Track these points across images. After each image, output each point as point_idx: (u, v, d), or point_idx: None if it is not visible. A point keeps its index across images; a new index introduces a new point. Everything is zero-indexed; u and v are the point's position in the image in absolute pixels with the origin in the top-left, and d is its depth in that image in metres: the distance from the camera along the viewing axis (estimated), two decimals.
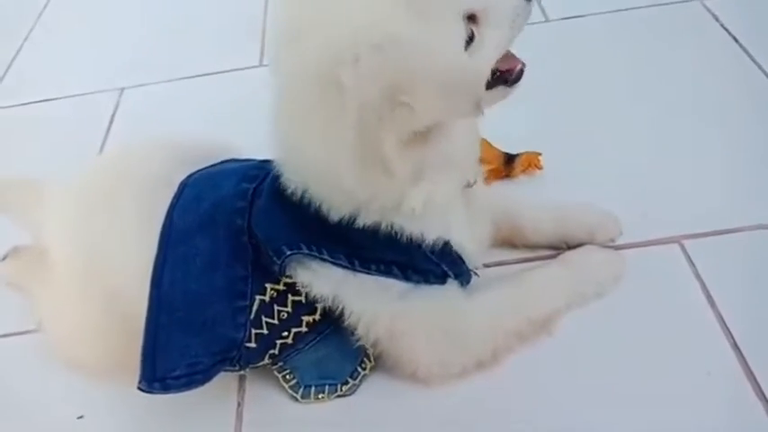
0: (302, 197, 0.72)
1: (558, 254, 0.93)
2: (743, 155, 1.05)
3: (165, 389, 0.74)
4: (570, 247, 0.93)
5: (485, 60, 0.68)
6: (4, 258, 1.05)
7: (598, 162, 1.06)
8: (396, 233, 0.73)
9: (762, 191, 0.99)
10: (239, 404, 0.85)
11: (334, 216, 0.71)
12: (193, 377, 0.74)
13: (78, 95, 1.47)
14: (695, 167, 1.04)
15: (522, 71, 0.73)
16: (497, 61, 0.70)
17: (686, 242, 0.93)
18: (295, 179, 0.72)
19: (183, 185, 0.83)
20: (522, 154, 1.07)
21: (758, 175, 1.02)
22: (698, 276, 0.89)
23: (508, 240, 0.95)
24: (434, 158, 0.69)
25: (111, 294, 0.80)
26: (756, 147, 1.06)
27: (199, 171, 0.86)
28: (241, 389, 0.86)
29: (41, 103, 1.48)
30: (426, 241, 0.75)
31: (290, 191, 0.73)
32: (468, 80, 0.66)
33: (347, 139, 0.61)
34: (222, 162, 0.90)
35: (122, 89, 1.46)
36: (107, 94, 1.45)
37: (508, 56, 0.72)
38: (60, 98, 1.48)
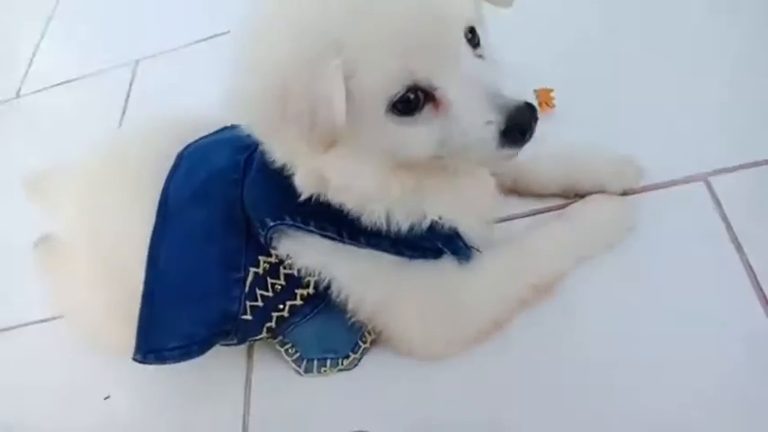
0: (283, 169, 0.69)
1: (569, 203, 0.86)
2: None
3: (161, 360, 0.76)
4: (580, 196, 0.86)
5: (408, 138, 0.62)
6: (35, 246, 1.10)
7: (615, 97, 0.96)
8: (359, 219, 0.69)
9: None
10: (248, 379, 0.87)
11: (305, 195, 0.68)
12: (189, 348, 0.76)
13: (96, 73, 1.49)
14: (719, 97, 0.92)
15: None
16: None
17: (712, 179, 0.84)
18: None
19: (180, 158, 0.83)
20: (533, 91, 0.98)
21: None
22: (723, 216, 0.81)
23: (513, 190, 0.89)
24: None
25: (121, 272, 0.81)
26: None
27: (195, 142, 0.85)
28: (249, 365, 0.88)
29: (64, 84, 1.51)
30: (394, 229, 0.70)
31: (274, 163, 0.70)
32: (330, 121, 0.58)
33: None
34: (221, 129, 0.88)
35: (137, 61, 1.46)
36: (123, 68, 1.46)
37: None
38: (80, 78, 1.50)
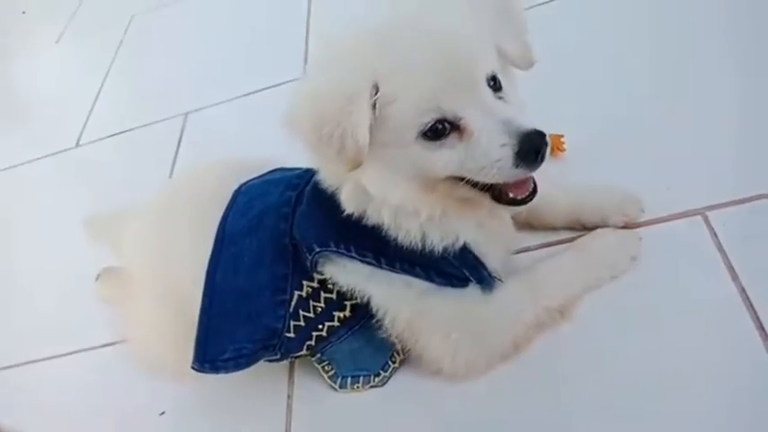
0: (333, 196, 0.81)
1: (578, 236, 0.95)
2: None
3: (215, 369, 0.85)
4: (588, 229, 0.95)
5: (433, 158, 0.73)
6: (97, 278, 1.22)
7: (621, 139, 1.06)
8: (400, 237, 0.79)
9: None
10: (289, 396, 0.96)
11: (349, 211, 0.79)
12: (239, 360, 0.86)
13: (149, 125, 1.64)
14: (719, 134, 1.01)
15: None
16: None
17: (710, 213, 0.92)
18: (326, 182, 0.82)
19: (237, 194, 0.95)
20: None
21: None
22: (720, 248, 0.88)
23: (527, 223, 0.98)
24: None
25: (179, 299, 0.92)
26: None
27: (250, 180, 0.98)
28: (291, 383, 0.97)
29: (119, 135, 1.67)
30: (428, 249, 0.80)
31: (326, 191, 0.82)
32: (355, 144, 0.70)
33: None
34: (271, 171, 1.01)
35: (186, 114, 1.61)
36: (174, 120, 1.61)
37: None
38: (134, 129, 1.66)
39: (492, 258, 0.86)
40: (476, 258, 0.83)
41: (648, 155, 1.02)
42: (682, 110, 1.07)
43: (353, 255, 0.82)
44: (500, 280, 0.86)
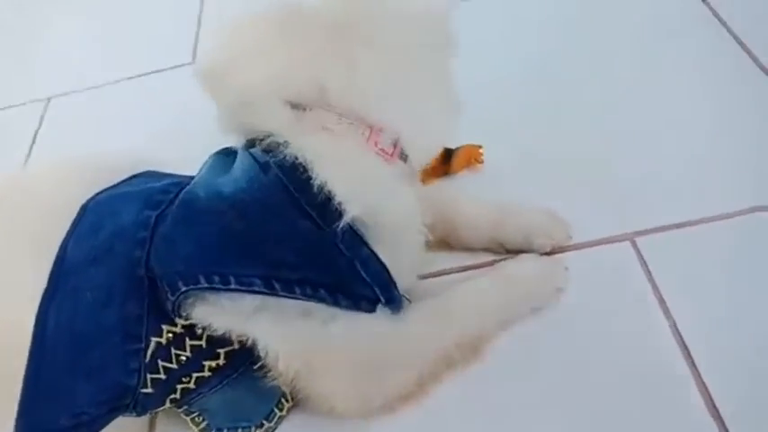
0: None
1: (500, 259, 0.85)
2: (700, 139, 0.96)
3: None
4: (510, 251, 0.85)
5: None
6: None
7: (544, 154, 0.96)
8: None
9: (724, 177, 0.90)
10: None
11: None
12: (78, 429, 0.65)
13: (3, 109, 1.38)
14: (649, 155, 0.95)
15: None
16: None
17: (639, 239, 0.85)
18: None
19: (84, 210, 0.73)
20: (461, 147, 0.97)
21: (719, 159, 0.92)
22: (650, 278, 0.81)
23: (444, 241, 0.87)
24: None
25: (10, 343, 0.68)
26: (715, 131, 0.97)
27: (104, 191, 0.76)
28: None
29: None
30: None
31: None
32: None
33: None
34: (134, 176, 0.80)
35: (49, 99, 1.37)
36: (32, 105, 1.36)
37: None
38: None
39: (404, 276, 0.73)
40: (389, 274, 0.70)
41: (573, 174, 0.93)
42: (611, 130, 0.99)
43: (234, 287, 0.65)
44: (409, 301, 0.75)
